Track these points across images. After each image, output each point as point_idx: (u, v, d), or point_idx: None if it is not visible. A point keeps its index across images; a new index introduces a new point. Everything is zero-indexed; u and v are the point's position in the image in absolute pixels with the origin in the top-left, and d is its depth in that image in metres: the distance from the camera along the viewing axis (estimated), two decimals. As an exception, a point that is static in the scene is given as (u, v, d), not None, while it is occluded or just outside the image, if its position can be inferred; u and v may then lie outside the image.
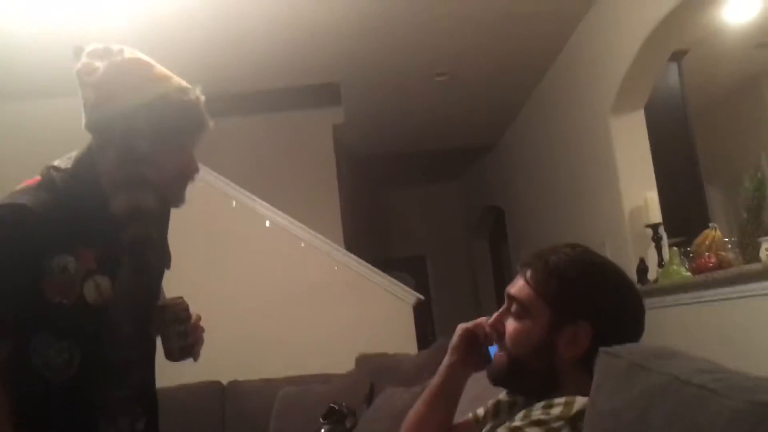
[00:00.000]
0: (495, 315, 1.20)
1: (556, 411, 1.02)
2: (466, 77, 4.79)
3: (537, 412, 1.05)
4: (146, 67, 1.43)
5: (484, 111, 5.54)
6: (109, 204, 1.37)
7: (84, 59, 1.42)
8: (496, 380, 1.19)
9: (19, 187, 1.40)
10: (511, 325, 1.15)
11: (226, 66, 4.25)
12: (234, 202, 3.94)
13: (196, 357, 1.47)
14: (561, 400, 1.04)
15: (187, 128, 1.44)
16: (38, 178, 1.41)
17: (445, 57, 4.44)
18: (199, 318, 1.49)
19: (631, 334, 1.11)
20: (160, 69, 1.44)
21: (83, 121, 1.41)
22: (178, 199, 1.48)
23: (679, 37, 3.58)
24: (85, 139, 1.44)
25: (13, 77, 4.06)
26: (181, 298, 1.46)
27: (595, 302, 1.11)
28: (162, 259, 1.42)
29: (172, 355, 1.44)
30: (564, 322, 1.10)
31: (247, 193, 4.02)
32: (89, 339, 1.38)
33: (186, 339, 1.43)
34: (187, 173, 1.46)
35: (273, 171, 5.13)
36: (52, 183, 1.39)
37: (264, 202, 4.05)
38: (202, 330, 1.50)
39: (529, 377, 1.12)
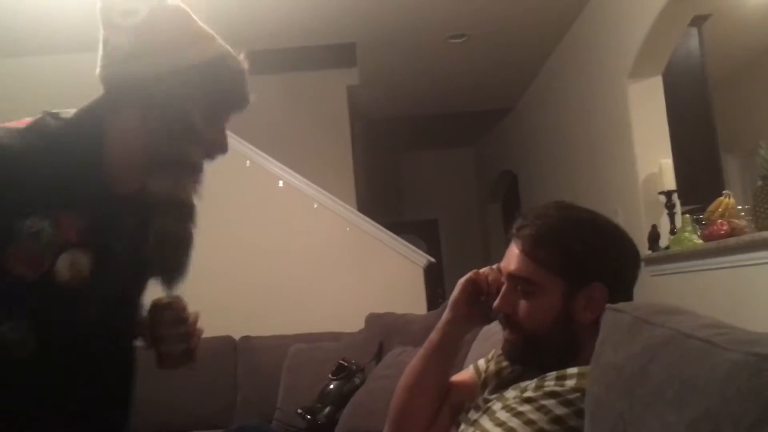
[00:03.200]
0: (499, 298, 1.13)
1: (570, 383, 1.00)
2: (483, 39, 4.73)
3: (550, 383, 1.02)
4: (193, 22, 1.19)
5: (500, 74, 5.48)
6: (147, 182, 1.14)
7: None
8: (513, 361, 1.16)
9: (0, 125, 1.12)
10: (522, 306, 1.10)
11: (241, 24, 4.21)
12: (248, 162, 3.95)
13: (195, 361, 1.24)
14: (574, 370, 1.02)
15: (238, 102, 1.22)
16: (29, 120, 1.14)
17: (462, 18, 4.38)
18: (197, 318, 1.25)
19: (634, 281, 1.11)
20: (203, 26, 1.20)
21: (103, 70, 1.15)
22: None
23: (701, 2, 3.51)
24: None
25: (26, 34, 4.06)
26: (179, 296, 1.23)
27: (603, 260, 1.09)
28: (187, 262, 1.19)
29: (169, 361, 1.22)
30: (578, 287, 1.07)
31: (261, 153, 4.02)
32: (49, 324, 1.10)
33: (188, 342, 1.22)
34: (217, 152, 1.21)
35: (287, 131, 5.12)
36: (45, 127, 1.12)
37: (277, 162, 4.06)
38: (202, 332, 1.26)
39: (548, 351, 1.09)
